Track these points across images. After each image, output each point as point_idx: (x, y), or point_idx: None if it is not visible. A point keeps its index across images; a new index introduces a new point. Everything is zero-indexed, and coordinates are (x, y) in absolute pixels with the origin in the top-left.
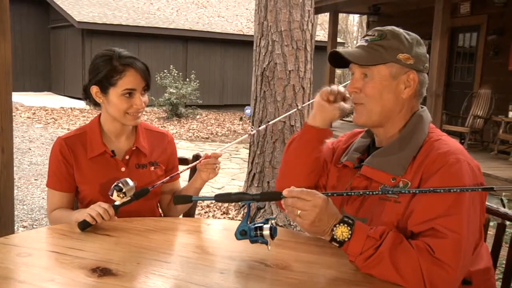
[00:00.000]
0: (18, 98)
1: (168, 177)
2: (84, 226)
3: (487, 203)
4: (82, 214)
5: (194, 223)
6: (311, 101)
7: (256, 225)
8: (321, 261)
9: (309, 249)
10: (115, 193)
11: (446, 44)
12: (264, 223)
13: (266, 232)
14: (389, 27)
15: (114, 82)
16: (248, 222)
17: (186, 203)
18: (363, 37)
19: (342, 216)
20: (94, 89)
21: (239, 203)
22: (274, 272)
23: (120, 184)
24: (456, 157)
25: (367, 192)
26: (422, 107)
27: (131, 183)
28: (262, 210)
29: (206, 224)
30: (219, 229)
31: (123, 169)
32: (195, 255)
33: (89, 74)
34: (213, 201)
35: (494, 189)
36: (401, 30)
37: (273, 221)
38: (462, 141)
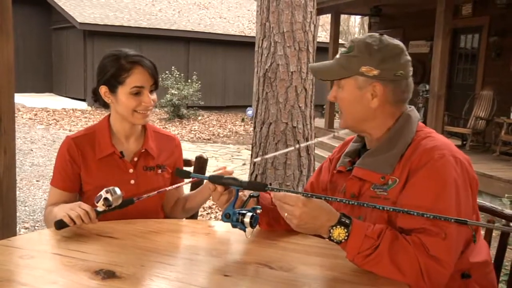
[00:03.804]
0: (20, 99)
1: (155, 192)
2: (60, 226)
3: (491, 205)
4: (61, 212)
5: (197, 225)
6: (313, 141)
7: (240, 211)
8: (325, 264)
9: (313, 251)
10: (100, 202)
11: (448, 46)
12: (248, 211)
13: (246, 219)
14: (363, 37)
15: (122, 80)
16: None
17: (186, 178)
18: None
19: (339, 216)
20: (103, 89)
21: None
22: (279, 275)
23: (108, 194)
24: (441, 153)
25: (343, 200)
26: (410, 107)
27: (118, 191)
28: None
29: (209, 226)
30: (222, 231)
31: (131, 170)
32: (199, 257)
33: (97, 75)
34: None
35: (468, 222)
36: (375, 38)
37: (258, 211)
38: (464, 142)
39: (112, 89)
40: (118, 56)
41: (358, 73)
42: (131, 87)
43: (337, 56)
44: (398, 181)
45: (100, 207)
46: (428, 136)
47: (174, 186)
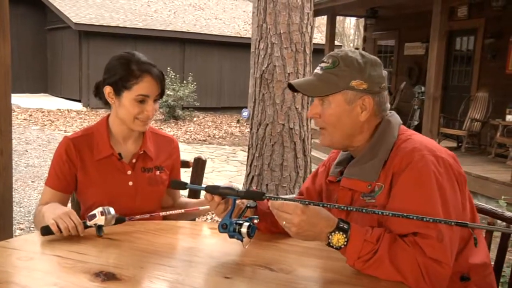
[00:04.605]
0: (15, 99)
1: (148, 215)
2: (47, 232)
3: (491, 207)
4: (50, 217)
5: (196, 227)
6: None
7: (237, 221)
8: (326, 266)
9: (314, 253)
10: (92, 222)
11: (444, 47)
12: (245, 221)
13: (244, 229)
14: (343, 52)
15: (129, 86)
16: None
17: (182, 189)
18: (320, 63)
19: (337, 221)
20: (108, 89)
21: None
22: (279, 277)
23: (102, 217)
24: (420, 154)
25: (349, 208)
26: (390, 112)
27: (112, 211)
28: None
29: (209, 228)
30: (222, 234)
31: (129, 172)
32: (199, 259)
33: (104, 73)
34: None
35: (468, 225)
36: (356, 53)
37: (255, 221)
38: (460, 144)
39: (117, 92)
40: (130, 60)
41: (348, 87)
42: (136, 94)
43: (318, 71)
44: (383, 187)
45: (90, 224)
46: (408, 139)
47: (174, 212)
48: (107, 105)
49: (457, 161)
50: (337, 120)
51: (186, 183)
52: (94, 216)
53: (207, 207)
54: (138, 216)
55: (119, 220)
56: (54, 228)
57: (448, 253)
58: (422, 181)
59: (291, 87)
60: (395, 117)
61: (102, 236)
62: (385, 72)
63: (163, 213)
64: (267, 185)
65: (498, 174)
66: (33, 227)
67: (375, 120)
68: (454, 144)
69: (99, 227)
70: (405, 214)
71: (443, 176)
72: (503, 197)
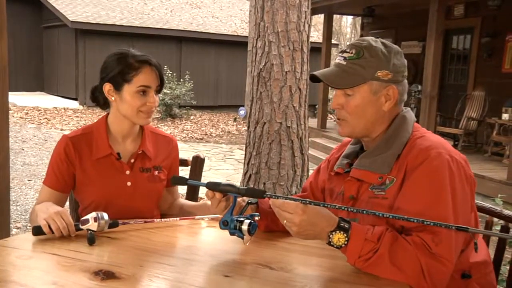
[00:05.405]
0: (11, 98)
1: (142, 220)
2: (38, 232)
3: (490, 205)
4: (43, 216)
5: (195, 225)
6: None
7: (238, 219)
8: (326, 264)
9: (314, 252)
10: (85, 227)
11: (440, 46)
12: (246, 218)
13: (244, 227)
14: (366, 42)
15: (129, 78)
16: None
17: (182, 185)
18: (341, 53)
19: (338, 220)
20: (107, 87)
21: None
22: (279, 275)
23: (95, 224)
24: (437, 151)
25: (343, 208)
26: (405, 109)
27: (106, 217)
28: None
29: (208, 227)
30: (222, 232)
31: (127, 172)
32: (199, 258)
33: (101, 73)
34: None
35: (469, 230)
36: (378, 43)
37: (256, 218)
38: (456, 142)
39: (118, 87)
40: (126, 54)
41: (373, 78)
42: (137, 86)
43: (341, 61)
44: (395, 180)
45: (83, 227)
46: (422, 136)
47: (169, 220)
48: (104, 107)
49: (468, 165)
50: (361, 111)
51: (187, 179)
52: (87, 221)
53: (204, 216)
54: (132, 221)
55: (112, 225)
56: (45, 229)
57: (452, 251)
58: (436, 177)
59: (314, 78)
60: (410, 114)
61: (93, 245)
62: (405, 60)
63: (158, 220)
64: (264, 183)
65: (495, 172)
66: (29, 226)
67: (396, 111)
68: (451, 143)
69: (90, 238)
70: (405, 217)
71: (456, 176)
72: (499, 195)
